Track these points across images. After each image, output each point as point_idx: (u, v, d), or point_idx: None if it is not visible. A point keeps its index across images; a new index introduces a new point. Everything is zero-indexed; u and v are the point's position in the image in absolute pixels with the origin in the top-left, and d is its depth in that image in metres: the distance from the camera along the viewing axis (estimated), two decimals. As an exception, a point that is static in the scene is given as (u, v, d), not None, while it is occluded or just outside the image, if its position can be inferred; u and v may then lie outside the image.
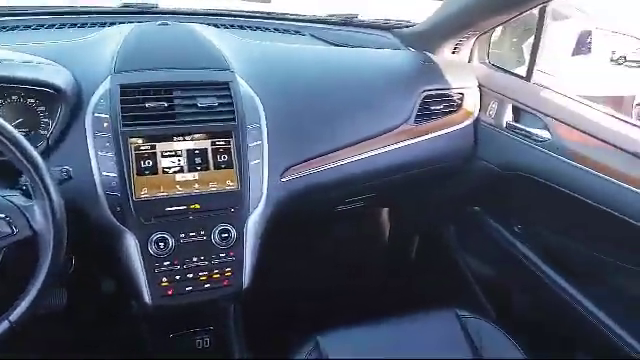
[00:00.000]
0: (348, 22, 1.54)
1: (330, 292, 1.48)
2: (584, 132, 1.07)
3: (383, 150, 1.19)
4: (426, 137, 1.25)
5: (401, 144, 1.22)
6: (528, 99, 1.20)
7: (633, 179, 0.95)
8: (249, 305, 1.15)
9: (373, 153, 1.18)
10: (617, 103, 3.29)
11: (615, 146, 1.00)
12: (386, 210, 1.76)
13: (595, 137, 1.05)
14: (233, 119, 0.97)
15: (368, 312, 1.08)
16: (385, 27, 1.54)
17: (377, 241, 1.75)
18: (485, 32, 1.30)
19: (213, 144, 0.96)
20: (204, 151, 0.96)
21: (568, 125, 1.10)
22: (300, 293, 1.47)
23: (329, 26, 1.50)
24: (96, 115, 0.93)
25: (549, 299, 1.16)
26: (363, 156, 1.16)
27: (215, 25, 1.31)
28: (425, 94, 1.25)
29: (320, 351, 0.98)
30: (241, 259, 0.96)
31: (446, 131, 1.27)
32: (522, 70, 1.26)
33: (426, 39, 1.38)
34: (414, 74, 1.29)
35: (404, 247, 1.71)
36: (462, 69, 1.34)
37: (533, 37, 1.21)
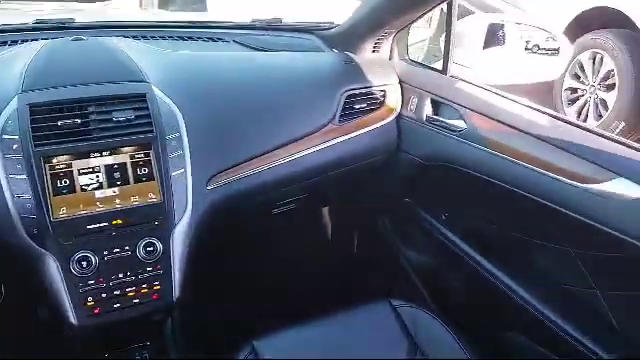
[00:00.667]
0: (272, 27, 1.56)
1: (271, 294, 1.48)
2: (496, 120, 1.13)
3: (310, 150, 1.22)
4: (351, 135, 1.28)
5: (327, 143, 1.25)
6: (444, 91, 1.26)
7: (543, 162, 1.02)
8: (187, 315, 1.15)
9: (300, 154, 1.20)
10: (548, 88, 3.48)
11: (524, 132, 1.06)
12: (326, 209, 1.79)
13: (506, 124, 1.11)
14: (151, 131, 0.96)
15: (309, 312, 1.10)
16: (308, 29, 1.57)
17: (318, 240, 1.78)
18: (401, 29, 1.35)
19: (132, 157, 0.95)
20: (123, 165, 0.95)
21: (480, 114, 1.16)
22: (240, 297, 1.47)
23: (253, 31, 1.52)
24: (4, 137, 0.90)
25: (477, 282, 1.22)
26: (290, 158, 1.18)
27: (134, 37, 1.30)
28: (348, 93, 1.29)
29: (257, 355, 0.99)
30: (169, 271, 0.95)
31: (370, 128, 1.31)
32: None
33: (347, 39, 1.41)
34: (336, 75, 1.32)
35: (345, 244, 1.75)
36: (383, 67, 1.38)
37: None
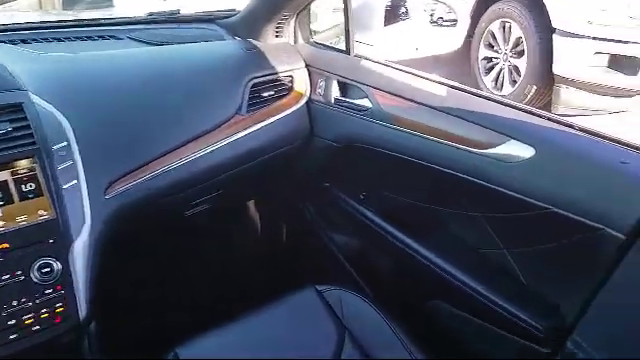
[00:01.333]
0: (170, 19, 1.49)
1: (194, 299, 1.44)
2: (398, 96, 1.13)
3: (219, 145, 1.17)
4: (262, 124, 1.25)
5: (237, 135, 1.21)
6: (349, 72, 1.25)
7: (445, 133, 1.03)
8: (103, 331, 1.09)
9: (208, 150, 1.15)
10: (464, 58, 3.58)
11: (426, 105, 1.07)
12: (251, 203, 1.75)
13: (408, 99, 1.11)
14: (33, 142, 0.89)
15: (237, 312, 1.07)
16: (209, 19, 1.51)
17: (246, 235, 1.74)
18: (300, 11, 1.32)
19: (14, 174, 0.87)
20: (4, 184, 0.86)
21: (383, 91, 1.16)
22: (160, 305, 1.41)
23: (150, 26, 1.44)
24: None
25: (400, 257, 1.23)
26: (196, 155, 1.13)
27: (11, 42, 1.19)
28: (253, 82, 1.25)
29: (181, 363, 0.95)
30: (72, 291, 0.89)
31: (281, 116, 1.29)
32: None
33: (248, 26, 1.37)
34: (240, 63, 1.28)
35: (273, 236, 1.72)
36: (288, 52, 1.36)
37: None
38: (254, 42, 1.35)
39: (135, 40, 1.34)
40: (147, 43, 1.33)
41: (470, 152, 0.97)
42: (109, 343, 1.12)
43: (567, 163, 0.87)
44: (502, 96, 3.16)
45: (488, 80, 3.49)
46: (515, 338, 1.00)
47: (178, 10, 1.51)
